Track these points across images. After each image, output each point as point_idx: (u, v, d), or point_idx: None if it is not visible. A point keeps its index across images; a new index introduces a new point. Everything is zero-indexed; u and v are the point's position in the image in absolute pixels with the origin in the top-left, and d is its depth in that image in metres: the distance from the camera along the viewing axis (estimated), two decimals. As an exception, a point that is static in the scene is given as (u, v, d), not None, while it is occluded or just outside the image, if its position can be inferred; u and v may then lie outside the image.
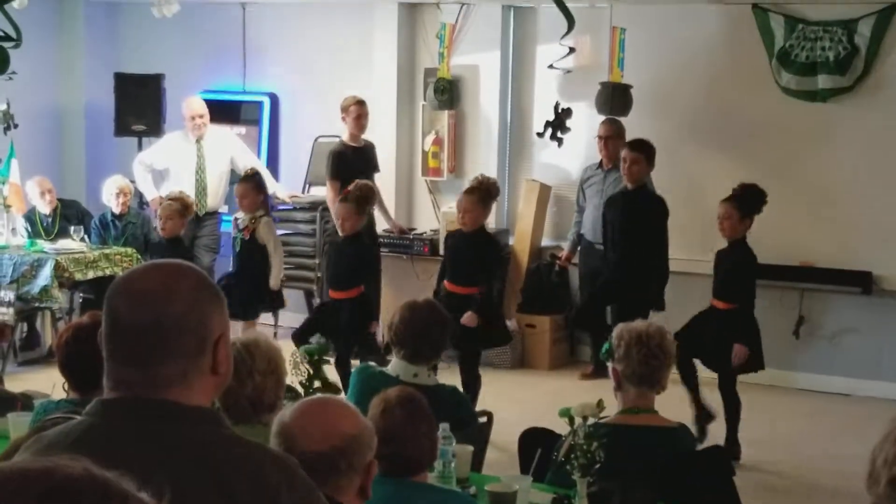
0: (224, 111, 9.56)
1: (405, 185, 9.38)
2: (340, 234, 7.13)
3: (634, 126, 8.00)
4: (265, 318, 8.19)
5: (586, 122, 8.67)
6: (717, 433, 6.41)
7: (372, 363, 5.45)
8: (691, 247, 7.83)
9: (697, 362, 6.59)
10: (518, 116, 9.20)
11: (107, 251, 8.17)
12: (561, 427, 3.77)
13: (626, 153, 7.22)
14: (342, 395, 4.41)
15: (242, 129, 9.78)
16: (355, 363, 6.11)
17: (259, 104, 9.93)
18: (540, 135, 8.95)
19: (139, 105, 9.60)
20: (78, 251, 8.06)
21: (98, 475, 1.15)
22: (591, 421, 3.61)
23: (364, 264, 7.14)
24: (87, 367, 3.27)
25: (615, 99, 8.23)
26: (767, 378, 7.74)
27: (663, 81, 8.47)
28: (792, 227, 8.06)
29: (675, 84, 8.46)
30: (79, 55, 10.34)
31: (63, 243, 8.22)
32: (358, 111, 8.39)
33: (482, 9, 8.92)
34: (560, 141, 8.87)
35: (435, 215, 9.17)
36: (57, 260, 7.79)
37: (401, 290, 8.48)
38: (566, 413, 3.64)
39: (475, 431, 4.47)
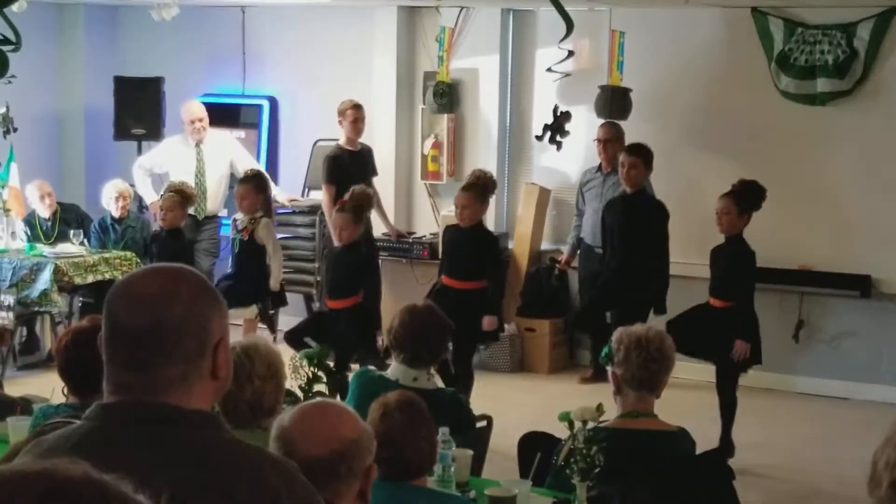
0: (223, 115, 9.55)
1: (404, 188, 9.38)
2: (337, 243, 6.96)
3: (633, 129, 8.00)
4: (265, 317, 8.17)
5: (585, 125, 8.67)
6: (712, 435, 6.40)
7: (371, 367, 5.44)
8: (690, 250, 7.83)
9: (695, 362, 6.60)
10: (517, 120, 9.20)
11: (106, 255, 8.15)
12: (561, 431, 3.77)
13: (625, 158, 7.22)
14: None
15: (242, 133, 9.76)
16: (355, 367, 6.10)
17: (258, 108, 9.92)
18: (539, 138, 8.95)
19: (139, 109, 9.60)
20: (77, 255, 8.04)
21: (97, 478, 1.15)
22: (590, 425, 3.62)
23: (361, 273, 7.02)
24: (87, 371, 3.27)
25: (614, 102, 8.24)
26: (767, 382, 7.77)
27: (662, 85, 8.47)
28: (791, 231, 8.07)
29: (675, 87, 8.46)
30: (78, 59, 10.32)
31: (62, 247, 8.20)
32: (354, 115, 8.33)
33: (481, 12, 8.92)
34: (559, 144, 8.87)
35: (434, 219, 9.16)
36: (56, 264, 7.78)
37: (400, 293, 8.46)
38: (566, 417, 3.64)
39: (475, 435, 4.47)
